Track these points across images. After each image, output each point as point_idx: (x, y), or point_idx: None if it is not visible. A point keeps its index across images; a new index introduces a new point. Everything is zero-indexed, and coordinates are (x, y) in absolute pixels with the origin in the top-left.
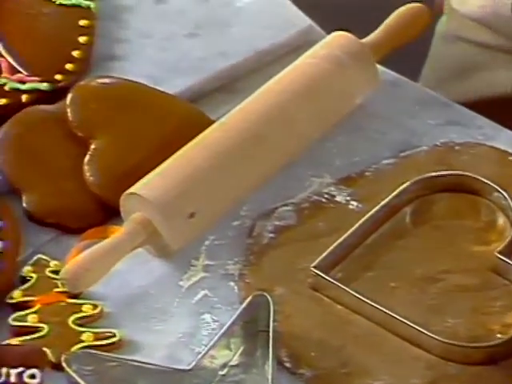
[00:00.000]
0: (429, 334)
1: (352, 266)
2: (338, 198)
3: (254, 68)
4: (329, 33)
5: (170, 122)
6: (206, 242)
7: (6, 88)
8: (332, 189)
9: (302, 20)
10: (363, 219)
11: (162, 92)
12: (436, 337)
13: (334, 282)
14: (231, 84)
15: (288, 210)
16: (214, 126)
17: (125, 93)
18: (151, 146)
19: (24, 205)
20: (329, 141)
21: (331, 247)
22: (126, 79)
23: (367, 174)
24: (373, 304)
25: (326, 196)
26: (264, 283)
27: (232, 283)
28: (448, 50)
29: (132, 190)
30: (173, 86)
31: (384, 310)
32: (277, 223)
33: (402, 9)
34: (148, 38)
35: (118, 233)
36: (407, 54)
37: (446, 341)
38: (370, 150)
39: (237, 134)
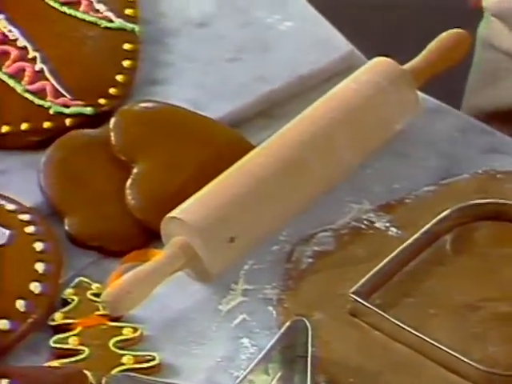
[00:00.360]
0: (468, 361)
1: (391, 293)
2: (378, 225)
3: (295, 93)
4: (370, 58)
5: (211, 146)
6: (245, 267)
7: (51, 112)
8: (371, 215)
9: (343, 45)
10: (403, 246)
11: (204, 117)
12: (476, 365)
13: (373, 308)
14: (272, 109)
15: (327, 236)
16: (254, 151)
17: (167, 117)
18: (192, 170)
19: (66, 228)
20: (368, 167)
21: (370, 273)
22: (168, 104)
23: (407, 200)
24: (412, 331)
25: (365, 222)
26: (302, 308)
27: (270, 308)
28: (484, 56)
29: (173, 213)
30: (214, 110)
31: (423, 336)
32: (316, 249)
33: (443, 35)
34: (190, 62)
35: (158, 256)
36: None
37: (486, 369)
38: (411, 177)
39: (277, 159)
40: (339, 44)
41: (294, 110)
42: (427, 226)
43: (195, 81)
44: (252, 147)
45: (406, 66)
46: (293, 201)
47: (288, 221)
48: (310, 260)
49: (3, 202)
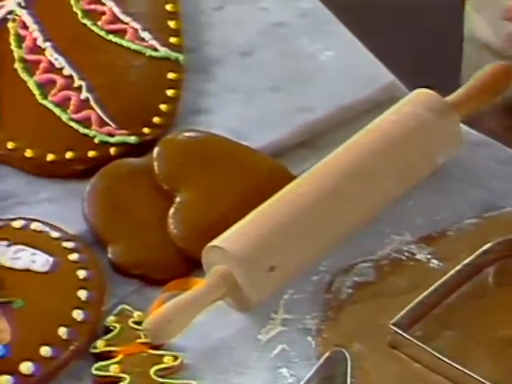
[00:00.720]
0: None
1: (431, 325)
2: (419, 256)
3: (337, 123)
4: (412, 89)
5: (253, 176)
6: (285, 296)
7: (96, 141)
8: (412, 247)
9: (385, 76)
10: (444, 278)
11: (246, 146)
12: None
13: (413, 340)
14: (313, 139)
15: (367, 267)
16: (295, 181)
17: (209, 147)
18: (234, 199)
19: (109, 256)
20: (410, 199)
21: (411, 305)
22: (210, 133)
23: (449, 233)
24: (452, 363)
25: (406, 254)
26: (342, 339)
27: (310, 338)
28: (469, 50)
29: (214, 242)
30: (256, 140)
31: (463, 369)
32: (356, 279)
33: (487, 67)
34: (233, 92)
35: (199, 285)
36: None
37: None
38: (452, 210)
39: (318, 189)
40: (381, 74)
41: (336, 141)
42: (469, 259)
43: (238, 110)
44: (293, 177)
45: (449, 98)
46: (333, 231)
47: (328, 251)
48: (350, 290)
49: (48, 230)
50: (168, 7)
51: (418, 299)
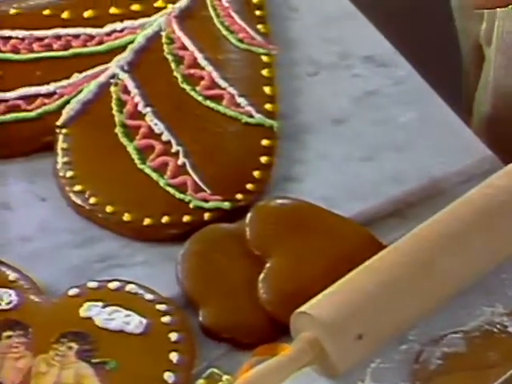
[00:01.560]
0: None
1: None
2: (511, 329)
3: (428, 195)
4: (507, 163)
5: (343, 244)
6: (372, 365)
7: (191, 206)
8: (505, 319)
9: (479, 149)
10: None
11: (336, 215)
12: None
13: None
14: (404, 210)
15: (458, 338)
16: (386, 250)
17: (301, 214)
18: (323, 266)
19: (200, 319)
20: (503, 271)
21: (503, 378)
22: (302, 201)
23: None
24: None
25: (498, 326)
26: None
27: None
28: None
29: (302, 308)
30: (347, 208)
31: None
32: (445, 350)
33: None
34: (325, 160)
35: (286, 351)
36: None
37: None
38: None
39: (408, 260)
40: (475, 147)
41: (427, 212)
42: None
43: (329, 178)
44: (383, 246)
45: None
46: (423, 301)
47: (417, 321)
48: (439, 361)
49: (142, 292)
50: (264, 72)
51: (510, 372)
